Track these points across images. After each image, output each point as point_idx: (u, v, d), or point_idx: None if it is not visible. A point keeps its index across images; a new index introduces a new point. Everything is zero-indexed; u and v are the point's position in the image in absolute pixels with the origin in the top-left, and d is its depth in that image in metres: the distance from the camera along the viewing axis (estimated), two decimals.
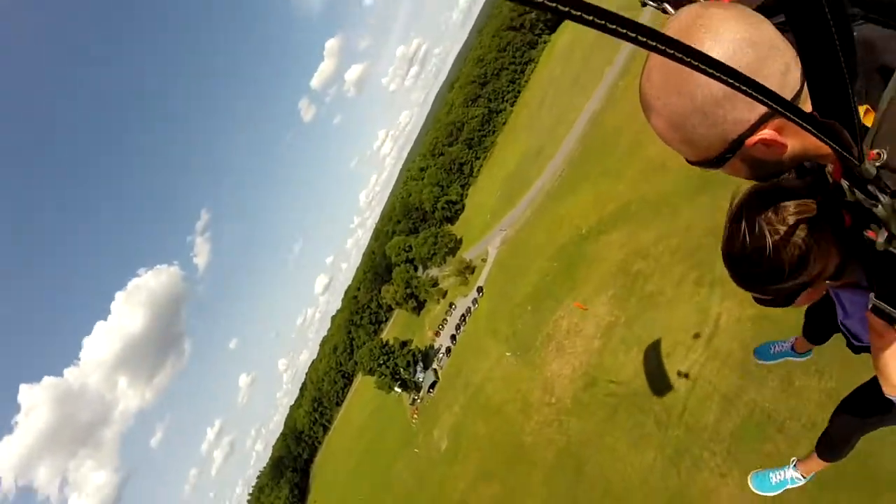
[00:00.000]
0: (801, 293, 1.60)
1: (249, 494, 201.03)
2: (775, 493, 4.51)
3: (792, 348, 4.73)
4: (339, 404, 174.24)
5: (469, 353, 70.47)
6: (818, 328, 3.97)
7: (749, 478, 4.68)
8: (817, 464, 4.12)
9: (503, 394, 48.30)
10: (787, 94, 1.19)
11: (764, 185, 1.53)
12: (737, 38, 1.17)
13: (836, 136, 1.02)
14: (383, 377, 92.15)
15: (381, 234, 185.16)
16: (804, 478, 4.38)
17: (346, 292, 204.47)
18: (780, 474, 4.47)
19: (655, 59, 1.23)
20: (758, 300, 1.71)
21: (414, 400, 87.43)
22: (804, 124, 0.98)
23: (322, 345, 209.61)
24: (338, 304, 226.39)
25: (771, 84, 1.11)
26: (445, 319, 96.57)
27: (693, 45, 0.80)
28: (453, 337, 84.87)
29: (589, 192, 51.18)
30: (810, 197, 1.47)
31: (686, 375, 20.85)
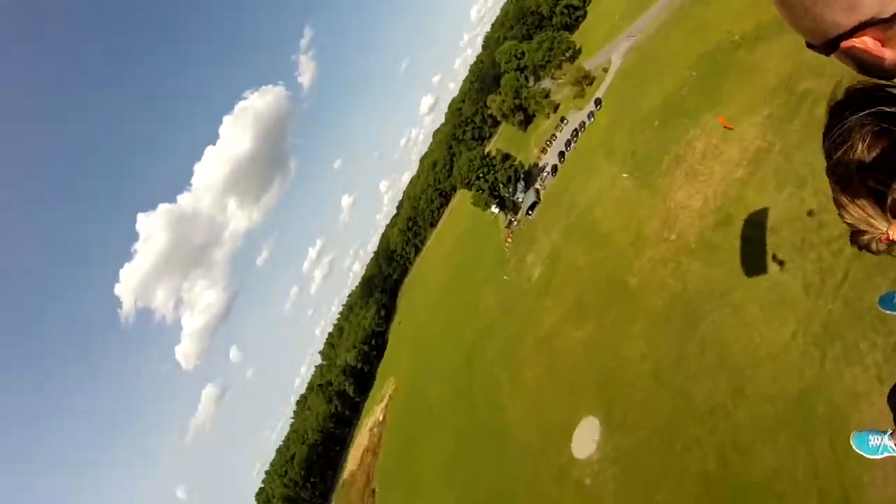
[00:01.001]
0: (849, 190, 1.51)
1: (340, 313, 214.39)
2: (876, 457, 4.54)
3: None
4: (433, 225, 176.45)
5: (578, 171, 66.52)
6: None
7: (851, 436, 4.73)
8: None
9: (613, 221, 44.79)
10: None
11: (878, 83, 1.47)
12: None
13: None
14: (481, 192, 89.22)
15: (491, 42, 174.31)
16: None
17: (450, 105, 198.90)
18: (877, 439, 4.47)
19: None
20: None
21: (510, 222, 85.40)
22: None
23: (421, 160, 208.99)
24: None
25: None
26: (554, 135, 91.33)
27: None
28: (561, 154, 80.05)
29: None
30: None
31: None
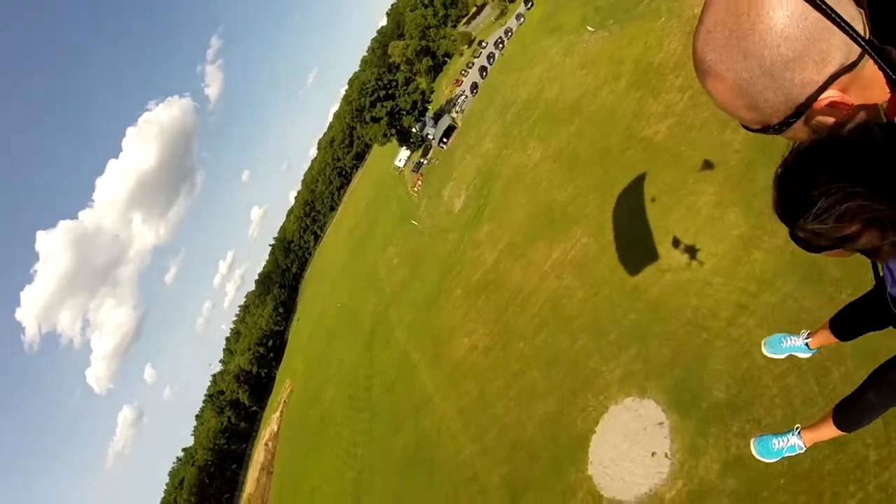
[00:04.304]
0: (831, 249, 1.50)
1: (236, 315, 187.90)
2: (775, 460, 4.27)
3: (806, 344, 4.27)
4: (333, 209, 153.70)
5: (511, 70, 48.91)
6: (853, 322, 3.51)
7: (751, 442, 4.30)
8: (828, 432, 3.75)
9: (584, 84, 28.45)
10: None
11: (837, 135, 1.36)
12: None
13: (890, 62, 1.07)
14: (377, 122, 66.56)
15: (394, 12, 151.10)
16: (805, 447, 4.03)
17: (350, 81, 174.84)
18: (782, 441, 4.16)
19: (714, 15, 1.19)
20: (790, 233, 1.55)
21: (419, 164, 65.46)
22: (867, 47, 1.04)
23: (319, 143, 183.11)
24: None
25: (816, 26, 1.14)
26: (471, 63, 72.80)
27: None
28: (483, 70, 62.50)
29: None
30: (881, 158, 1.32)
31: None
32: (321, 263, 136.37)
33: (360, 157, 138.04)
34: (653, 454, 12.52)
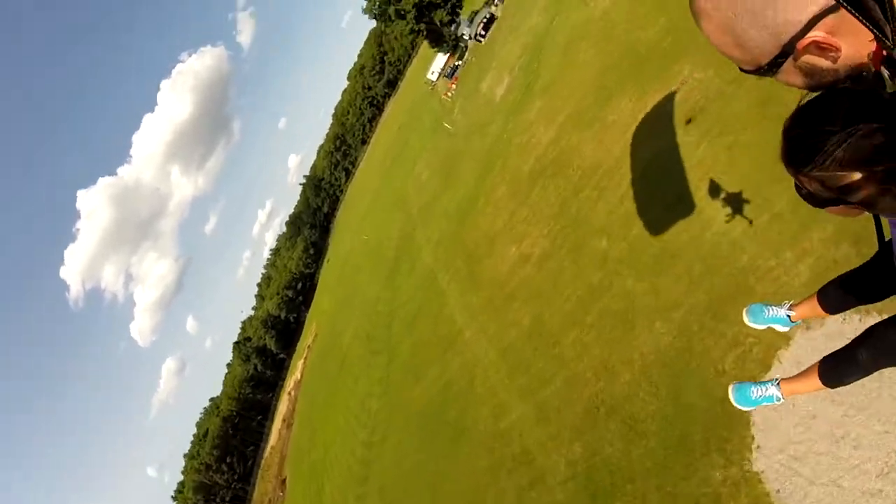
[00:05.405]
0: (835, 204, 1.54)
1: (267, 259, 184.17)
2: (751, 409, 4.42)
3: (788, 316, 4.21)
4: (364, 142, 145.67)
5: None
6: (846, 292, 3.43)
7: (730, 388, 4.29)
8: (811, 385, 3.63)
9: None
10: None
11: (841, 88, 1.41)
12: None
13: (866, 12, 1.08)
14: (403, 18, 58.15)
15: None
16: (784, 398, 4.05)
17: None
18: (761, 389, 4.14)
19: None
20: (796, 186, 1.65)
21: (454, 69, 57.75)
22: None
23: (349, 73, 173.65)
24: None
25: None
26: None
27: None
28: None
29: None
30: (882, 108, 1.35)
31: None
32: (352, 200, 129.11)
33: (392, 85, 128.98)
34: None
